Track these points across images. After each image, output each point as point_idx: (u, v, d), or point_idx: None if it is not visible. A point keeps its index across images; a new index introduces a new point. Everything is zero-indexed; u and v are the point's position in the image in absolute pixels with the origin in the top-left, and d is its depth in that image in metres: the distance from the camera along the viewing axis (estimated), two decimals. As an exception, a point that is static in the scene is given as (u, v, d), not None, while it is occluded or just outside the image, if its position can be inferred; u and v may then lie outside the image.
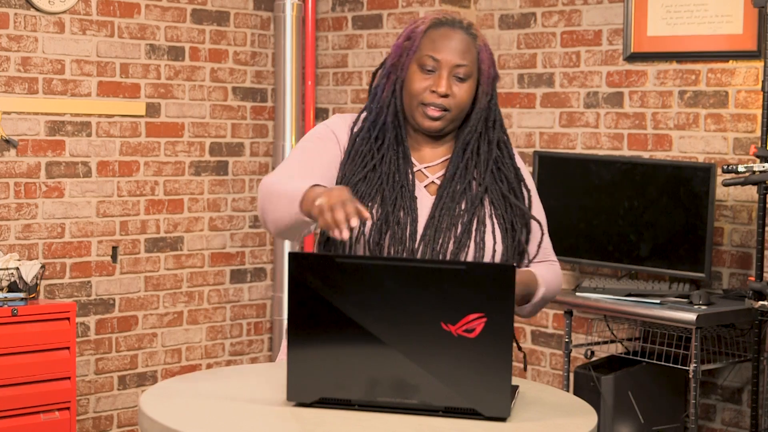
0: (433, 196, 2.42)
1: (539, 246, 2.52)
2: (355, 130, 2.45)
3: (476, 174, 2.43)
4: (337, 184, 2.40)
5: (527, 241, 2.48)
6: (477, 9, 5.15)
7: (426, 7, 5.04)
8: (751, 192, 4.28)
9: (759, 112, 4.26)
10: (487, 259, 2.40)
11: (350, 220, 2.02)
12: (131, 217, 5.01)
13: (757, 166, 3.83)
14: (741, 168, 3.84)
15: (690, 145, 4.51)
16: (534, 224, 2.49)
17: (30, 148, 4.68)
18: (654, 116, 4.61)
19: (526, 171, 2.53)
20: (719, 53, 4.40)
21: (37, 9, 4.66)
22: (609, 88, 4.74)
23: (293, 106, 5.38)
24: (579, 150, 4.82)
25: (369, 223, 2.35)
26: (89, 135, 4.86)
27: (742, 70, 4.35)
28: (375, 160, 2.40)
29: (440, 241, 2.36)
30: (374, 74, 2.52)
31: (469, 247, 2.37)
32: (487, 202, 2.42)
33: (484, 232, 2.39)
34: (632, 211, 4.40)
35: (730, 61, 4.38)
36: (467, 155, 2.42)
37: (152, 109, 5.07)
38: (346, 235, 2.01)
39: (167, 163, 5.14)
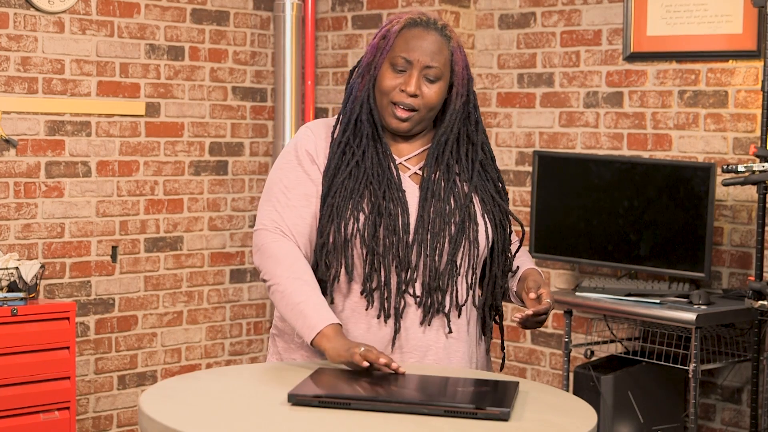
0: (416, 186, 2.45)
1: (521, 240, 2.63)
2: (336, 134, 2.47)
3: (458, 170, 2.46)
4: (323, 188, 2.42)
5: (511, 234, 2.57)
6: (477, 9, 5.15)
7: (426, 6, 5.04)
8: (751, 192, 4.28)
9: (759, 112, 4.26)
10: (480, 254, 2.44)
11: (391, 364, 2.17)
12: (131, 216, 5.01)
13: (757, 166, 3.83)
14: (741, 168, 3.84)
15: (690, 145, 4.51)
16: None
17: (30, 148, 4.68)
18: (654, 116, 4.61)
19: None
20: (719, 53, 4.40)
21: (37, 9, 4.66)
22: (609, 87, 4.74)
23: (293, 106, 5.37)
24: (579, 150, 4.82)
25: (362, 218, 2.38)
26: (89, 135, 4.86)
27: (741, 70, 4.35)
28: (357, 157, 2.42)
29: (436, 243, 2.39)
30: (351, 72, 2.53)
31: (464, 246, 2.41)
32: (476, 201, 2.46)
33: (477, 231, 2.42)
34: (632, 211, 4.40)
35: (730, 61, 4.38)
36: (447, 154, 2.45)
37: (152, 109, 5.07)
38: (391, 367, 2.16)
39: (167, 163, 5.14)
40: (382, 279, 2.37)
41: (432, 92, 2.41)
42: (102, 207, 4.91)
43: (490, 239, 2.44)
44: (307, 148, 2.47)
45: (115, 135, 4.94)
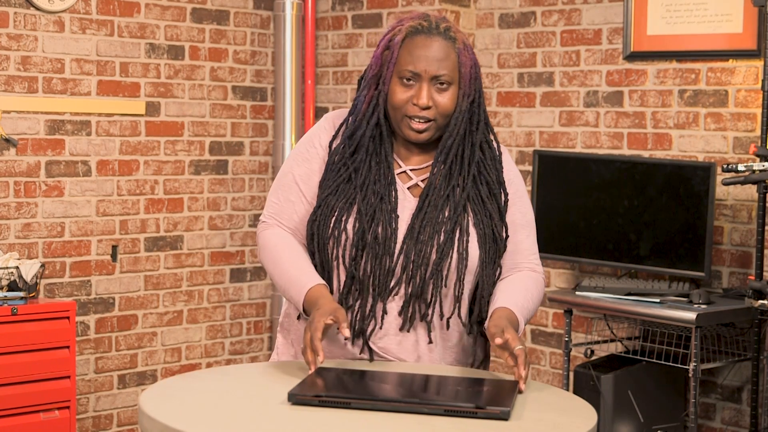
0: (416, 199, 2.39)
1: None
2: (334, 145, 2.43)
3: (460, 180, 2.39)
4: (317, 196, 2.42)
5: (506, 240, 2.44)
6: (477, 8, 5.15)
7: (426, 6, 5.04)
8: (751, 191, 4.28)
9: (759, 111, 4.26)
10: (470, 268, 2.35)
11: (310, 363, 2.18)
12: (131, 216, 5.01)
13: (757, 165, 3.83)
14: (741, 167, 3.84)
15: (690, 144, 4.51)
16: (518, 224, 2.45)
17: (30, 147, 4.68)
18: (654, 115, 4.61)
19: (513, 170, 2.48)
20: (719, 52, 4.40)
21: (37, 8, 4.66)
22: (609, 87, 4.74)
23: (293, 105, 5.37)
24: (579, 149, 4.82)
25: (343, 239, 2.34)
26: (89, 134, 4.86)
27: (741, 69, 4.35)
28: (349, 171, 2.38)
29: (421, 252, 2.32)
30: (359, 81, 2.48)
31: (452, 257, 2.34)
32: (470, 209, 2.38)
33: (467, 241, 2.35)
34: (632, 211, 4.40)
35: (730, 60, 4.38)
36: (450, 159, 2.38)
37: (152, 108, 5.07)
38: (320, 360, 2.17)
39: (167, 162, 5.14)
40: (357, 303, 2.34)
41: (445, 99, 2.35)
42: (102, 206, 4.91)
43: (478, 249, 2.36)
44: (321, 141, 2.46)
45: (115, 134, 4.94)
